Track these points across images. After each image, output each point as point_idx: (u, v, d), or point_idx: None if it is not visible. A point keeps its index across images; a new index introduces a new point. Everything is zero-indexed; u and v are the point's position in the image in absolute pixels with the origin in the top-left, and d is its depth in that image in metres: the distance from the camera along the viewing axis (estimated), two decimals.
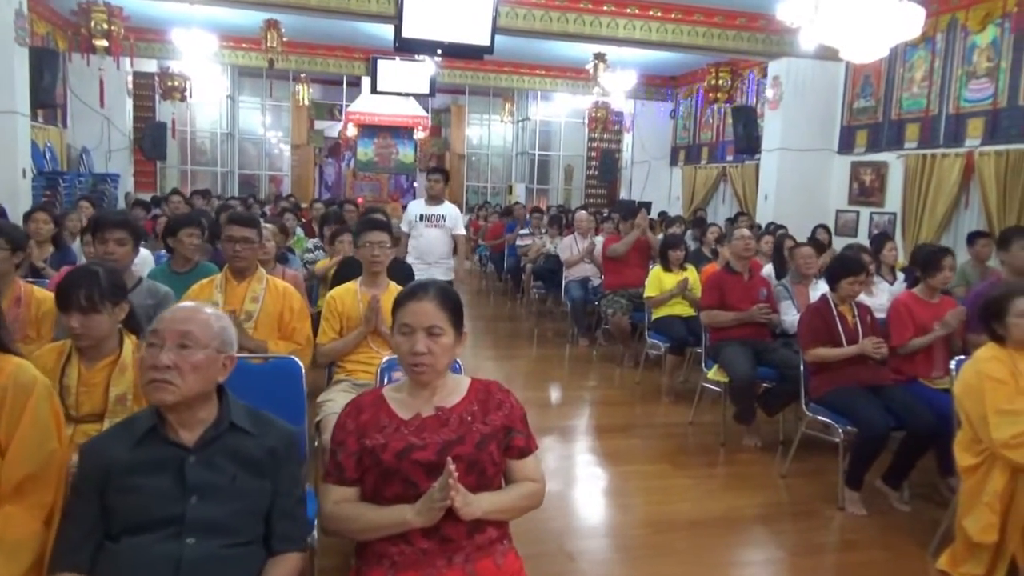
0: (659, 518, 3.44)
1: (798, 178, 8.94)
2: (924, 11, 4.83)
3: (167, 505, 1.54)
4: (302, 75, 13.33)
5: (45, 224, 4.75)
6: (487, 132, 17.11)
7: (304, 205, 10.55)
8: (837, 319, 3.75)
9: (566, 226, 8.79)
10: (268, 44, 9.84)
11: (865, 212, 8.59)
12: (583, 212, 7.87)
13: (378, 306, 3.14)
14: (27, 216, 4.85)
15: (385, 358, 2.79)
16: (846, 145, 8.92)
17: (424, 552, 1.66)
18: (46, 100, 8.39)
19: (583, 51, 10.46)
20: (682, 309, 5.46)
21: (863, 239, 7.75)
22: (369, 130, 14.87)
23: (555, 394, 5.71)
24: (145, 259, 4.15)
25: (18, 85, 7.17)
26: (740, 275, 4.65)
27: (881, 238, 5.69)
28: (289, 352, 2.90)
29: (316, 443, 2.95)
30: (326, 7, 7.38)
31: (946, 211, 7.31)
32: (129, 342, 2.24)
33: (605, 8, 8.07)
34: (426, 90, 11.98)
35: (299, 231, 6.75)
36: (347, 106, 14.70)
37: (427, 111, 14.99)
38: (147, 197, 9.87)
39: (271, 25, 9.77)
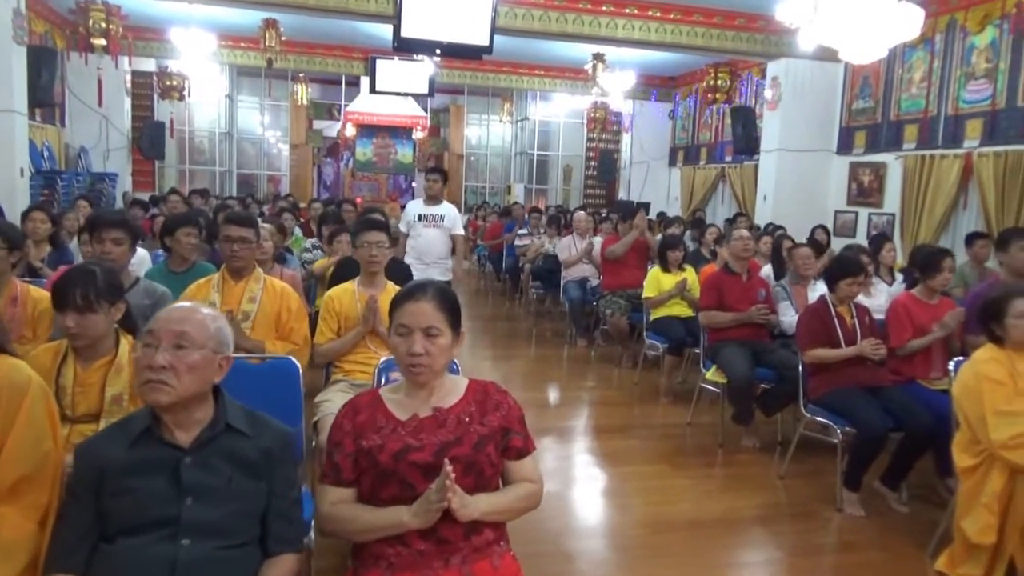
0: (657, 519, 3.43)
1: (797, 179, 8.94)
2: (923, 12, 4.83)
3: (162, 506, 1.53)
4: (301, 75, 13.32)
5: (42, 223, 4.74)
6: (486, 132, 17.10)
7: (302, 205, 10.53)
8: (835, 320, 3.74)
9: (564, 226, 8.79)
10: (267, 43, 9.83)
11: (864, 213, 8.59)
12: (582, 212, 7.87)
13: (376, 306, 3.14)
14: (24, 215, 4.84)
15: (383, 358, 2.79)
16: (845, 146, 8.93)
17: (421, 554, 1.65)
18: (44, 99, 8.37)
19: (582, 51, 10.47)
20: (680, 310, 5.46)
21: (862, 240, 7.76)
22: (368, 130, 14.85)
23: (553, 394, 5.70)
24: (142, 259, 4.14)
25: (16, 84, 7.16)
26: (739, 276, 4.64)
27: (879, 239, 5.69)
28: (286, 352, 2.89)
29: (313, 443, 2.94)
30: (325, 6, 7.37)
31: (944, 212, 7.31)
32: (125, 342, 2.23)
33: (604, 8, 8.07)
34: (425, 90, 11.98)
35: (297, 231, 6.73)
36: (346, 106, 14.69)
37: (426, 111, 14.98)
38: (145, 196, 9.84)
39: (270, 24, 9.76)
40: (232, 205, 8.02)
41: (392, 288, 3.25)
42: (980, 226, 6.70)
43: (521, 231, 9.39)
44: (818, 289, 4.45)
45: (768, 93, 9.20)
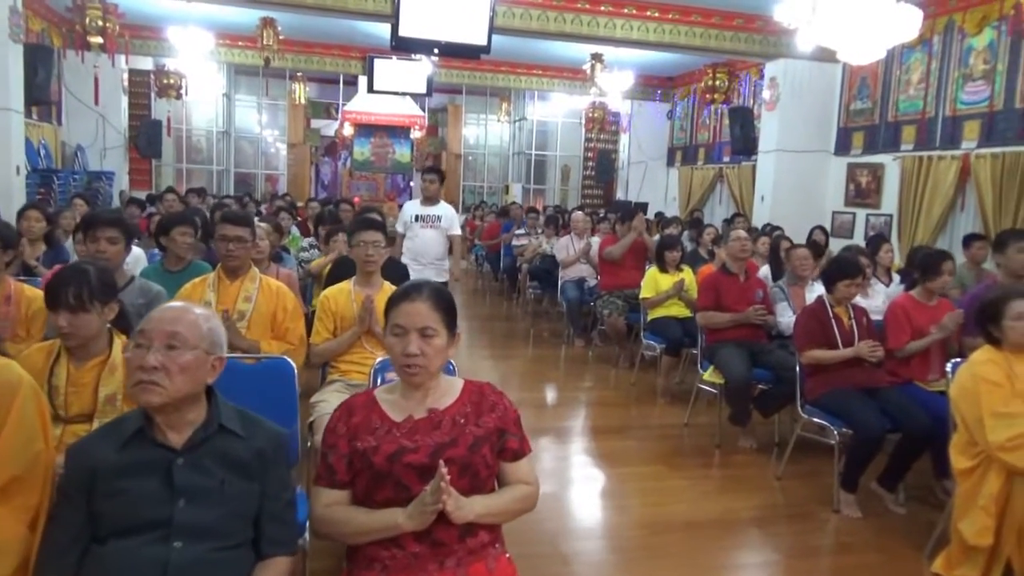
0: (654, 520, 3.42)
1: (795, 179, 8.93)
2: (921, 13, 4.83)
3: (154, 508, 1.51)
4: (298, 74, 13.30)
5: (37, 222, 4.71)
6: (484, 132, 17.08)
7: (300, 204, 10.51)
8: (833, 321, 3.74)
9: (562, 226, 8.78)
10: (264, 42, 9.81)
11: (861, 214, 8.59)
12: (579, 212, 7.86)
13: (372, 306, 3.12)
14: (20, 214, 4.82)
15: (379, 359, 2.77)
16: (843, 146, 8.92)
17: (415, 556, 1.64)
18: (41, 97, 8.34)
19: (580, 51, 10.45)
20: (678, 310, 5.45)
21: (859, 240, 7.76)
22: (365, 129, 14.85)
23: (550, 395, 5.69)
24: (138, 258, 4.13)
25: (12, 82, 7.13)
26: (736, 276, 4.64)
27: (877, 240, 5.69)
28: (282, 352, 2.88)
29: (309, 444, 2.93)
30: (322, 5, 7.34)
31: (942, 213, 7.31)
32: (119, 342, 2.22)
33: (602, 8, 8.05)
34: (423, 89, 11.96)
35: (294, 230, 6.72)
36: (343, 105, 14.67)
37: (424, 110, 14.97)
38: (142, 195, 9.81)
39: (267, 23, 9.74)
40: (229, 204, 7.99)
41: (388, 288, 3.24)
42: (977, 227, 6.70)
43: (519, 231, 9.38)
44: (816, 290, 4.44)
45: (766, 94, 9.19)
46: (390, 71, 11.59)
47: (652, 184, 13.64)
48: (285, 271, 4.16)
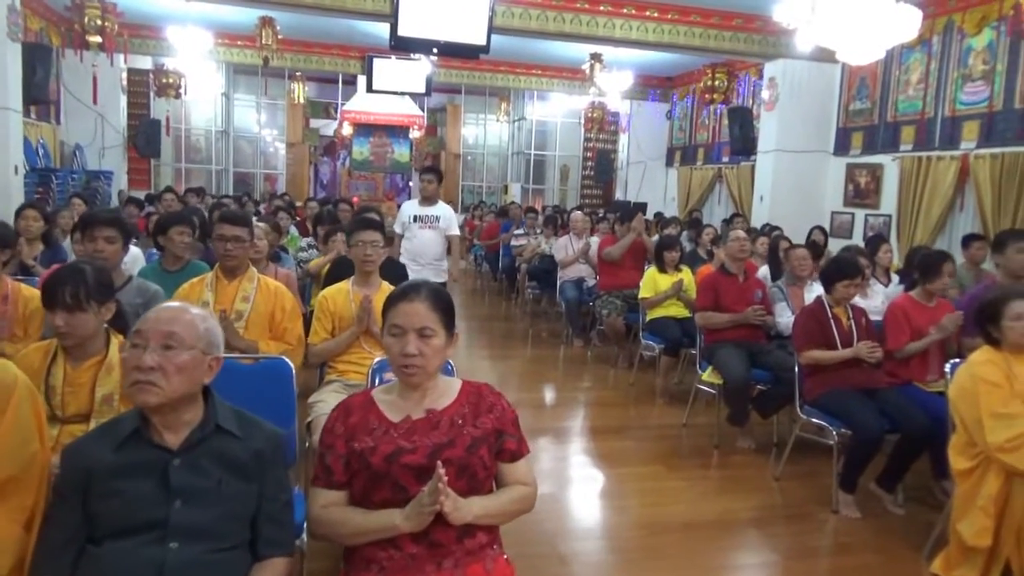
0: (653, 520, 3.42)
1: (794, 179, 8.93)
2: (920, 13, 4.82)
3: (150, 509, 1.51)
4: (297, 73, 13.29)
5: (35, 221, 4.71)
6: (483, 132, 17.08)
7: (299, 204, 10.51)
8: (832, 321, 3.74)
9: (561, 226, 8.77)
10: (263, 42, 9.80)
11: (860, 214, 8.59)
12: (579, 212, 7.85)
13: (370, 306, 3.12)
14: (18, 213, 4.81)
15: (377, 359, 2.77)
16: (842, 147, 8.92)
17: (413, 557, 1.64)
18: (39, 96, 8.34)
19: (579, 51, 10.45)
20: (677, 310, 5.45)
21: (858, 241, 7.75)
22: (364, 129, 14.85)
23: (549, 395, 5.69)
24: (135, 257, 4.12)
25: (11, 81, 7.12)
26: (735, 276, 4.63)
27: (876, 240, 5.68)
28: (280, 352, 2.87)
29: (307, 444, 2.92)
30: (321, 5, 7.33)
31: (941, 213, 7.31)
32: (116, 342, 2.21)
33: (601, 8, 8.05)
34: (422, 89, 11.95)
35: (293, 230, 6.72)
36: (342, 104, 14.66)
37: (423, 110, 14.97)
38: (141, 195, 9.80)
39: (266, 22, 9.73)
40: (228, 204, 7.99)
41: (387, 288, 3.23)
42: (976, 228, 6.71)
43: (518, 231, 9.38)
44: (814, 290, 4.44)
45: (765, 94, 9.19)
46: (389, 71, 11.58)
47: (651, 184, 13.64)
48: (284, 271, 4.15)
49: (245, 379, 2.44)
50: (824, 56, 7.03)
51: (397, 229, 5.54)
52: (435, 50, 7.76)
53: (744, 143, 10.02)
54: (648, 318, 5.51)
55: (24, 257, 4.37)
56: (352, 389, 2.98)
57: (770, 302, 4.61)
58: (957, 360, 3.05)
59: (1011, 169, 6.51)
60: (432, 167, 6.46)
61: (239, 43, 11.27)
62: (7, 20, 6.97)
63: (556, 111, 15.97)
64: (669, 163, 13.75)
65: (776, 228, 7.19)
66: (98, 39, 8.43)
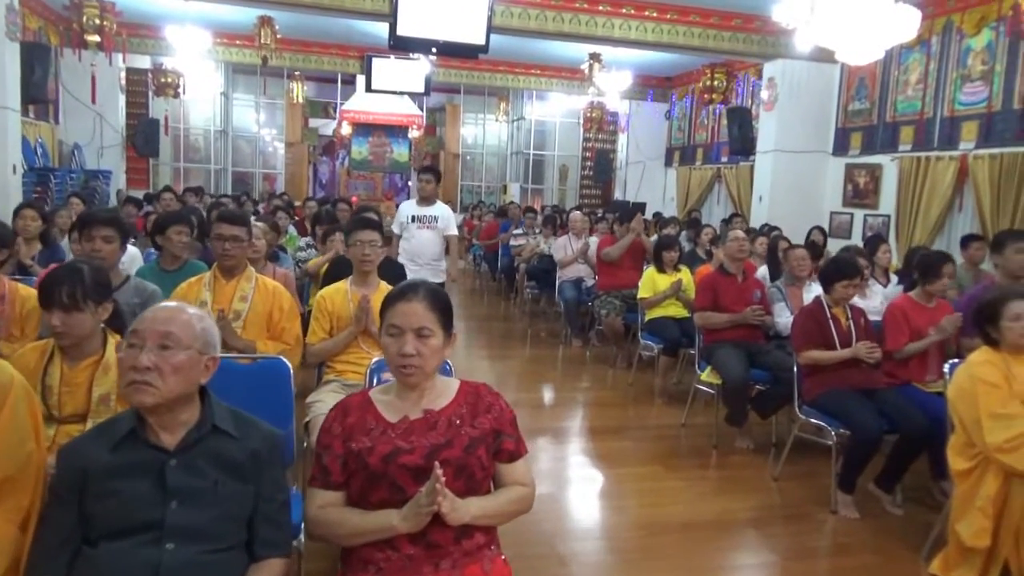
0: (651, 521, 3.42)
1: (792, 180, 8.93)
2: (920, 13, 4.82)
3: (146, 510, 1.50)
4: (296, 72, 13.28)
5: (33, 221, 4.70)
6: (482, 131, 17.08)
7: (298, 203, 10.50)
8: (831, 321, 3.73)
9: (560, 226, 8.77)
10: (262, 41, 9.79)
11: (859, 214, 8.59)
12: (577, 212, 7.85)
13: (368, 306, 3.11)
14: (15, 212, 4.81)
15: (375, 359, 2.76)
16: (841, 147, 8.92)
17: (410, 558, 1.63)
18: (37, 95, 8.33)
19: (578, 51, 10.44)
20: (676, 310, 5.44)
21: (857, 241, 7.75)
22: (363, 128, 14.84)
23: (548, 395, 5.68)
24: (133, 257, 4.11)
25: (9, 80, 7.11)
26: (734, 277, 4.63)
27: (875, 240, 5.68)
28: (278, 352, 2.87)
29: (305, 444, 2.92)
30: (320, 4, 7.32)
31: (940, 214, 7.31)
32: (113, 341, 2.20)
33: (600, 8, 8.04)
34: (421, 89, 11.94)
35: (292, 229, 6.71)
36: (341, 104, 14.66)
37: (422, 110, 14.96)
38: (139, 194, 9.79)
39: (265, 22, 9.72)
40: (226, 203, 7.98)
41: (385, 287, 3.22)
42: (975, 228, 6.71)
43: (516, 231, 9.37)
44: (813, 290, 4.44)
45: (764, 94, 9.19)
46: (388, 70, 11.57)
47: (650, 184, 13.64)
48: (282, 271, 4.14)
49: (243, 379, 2.44)
50: (823, 56, 7.03)
51: (395, 229, 5.52)
52: (434, 50, 7.75)
53: (743, 143, 10.02)
54: (647, 318, 5.50)
55: (22, 257, 4.37)
56: (350, 389, 2.97)
57: (769, 302, 4.60)
58: (956, 360, 3.05)
59: (1010, 169, 6.51)
60: (430, 167, 6.44)
61: (238, 42, 11.25)
62: (5, 19, 6.96)
63: (555, 111, 15.97)
64: (668, 163, 13.75)
65: (775, 228, 7.19)
66: (97, 38, 8.42)
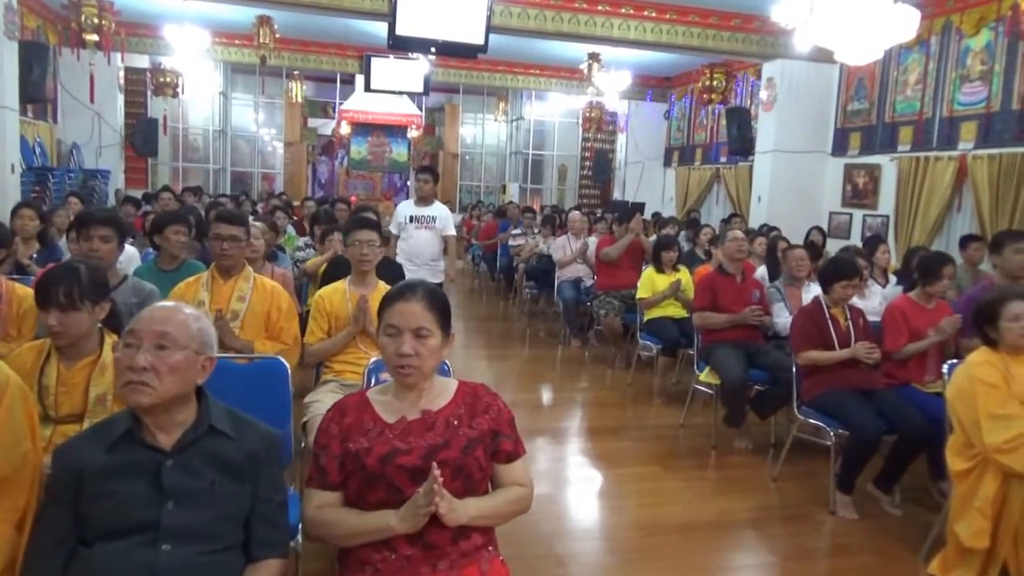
0: (650, 521, 3.41)
1: (791, 180, 8.93)
2: (919, 14, 4.82)
3: (142, 510, 1.49)
4: (295, 72, 13.27)
5: (31, 220, 4.69)
6: (481, 131, 17.07)
7: (296, 203, 10.50)
8: (829, 322, 3.73)
9: (559, 226, 8.76)
10: (261, 40, 9.79)
11: (858, 214, 8.59)
12: (576, 212, 7.85)
13: (366, 306, 3.11)
14: (13, 212, 4.80)
15: (373, 359, 2.76)
16: (839, 147, 8.92)
17: (408, 559, 1.63)
18: (36, 95, 8.32)
19: (577, 51, 10.43)
20: (674, 311, 5.44)
21: (856, 241, 7.75)
22: (363, 128, 14.83)
23: (546, 395, 5.68)
24: (131, 256, 4.10)
25: (7, 79, 7.10)
26: (733, 277, 4.63)
27: (874, 240, 5.68)
28: (276, 352, 2.86)
29: (303, 444, 2.91)
30: (319, 4, 7.32)
31: (939, 214, 7.31)
32: (110, 341, 2.20)
33: (600, 8, 8.04)
34: (420, 88, 11.93)
35: (290, 229, 6.70)
36: (340, 104, 14.65)
37: (421, 110, 14.96)
38: (138, 194, 9.78)
39: (263, 21, 9.72)
40: (225, 203, 7.97)
41: (383, 287, 3.21)
42: (974, 228, 6.71)
43: (515, 231, 9.37)
44: (812, 290, 4.43)
45: (763, 94, 9.19)
46: (387, 70, 11.55)
47: (649, 184, 13.64)
48: (280, 270, 4.14)
49: (240, 379, 2.43)
50: (822, 56, 7.02)
51: (393, 230, 5.49)
52: (433, 49, 7.74)
53: (742, 143, 10.02)
54: (646, 318, 5.50)
55: (20, 256, 4.36)
56: (348, 389, 2.97)
57: (768, 302, 4.60)
58: (955, 361, 3.05)
59: (1009, 170, 6.51)
60: (428, 167, 6.41)
61: (237, 42, 11.24)
62: (3, 18, 6.95)
63: (554, 111, 15.97)
64: (667, 163, 13.75)
65: (774, 228, 7.19)
66: (95, 37, 8.39)
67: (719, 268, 4.79)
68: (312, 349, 3.21)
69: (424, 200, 5.49)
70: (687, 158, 12.92)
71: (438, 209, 5.51)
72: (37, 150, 9.63)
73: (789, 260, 4.75)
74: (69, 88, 10.61)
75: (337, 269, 3.96)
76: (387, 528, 1.60)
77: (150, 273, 3.52)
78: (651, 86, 13.28)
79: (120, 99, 11.68)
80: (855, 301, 4.01)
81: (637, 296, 5.58)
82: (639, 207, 6.94)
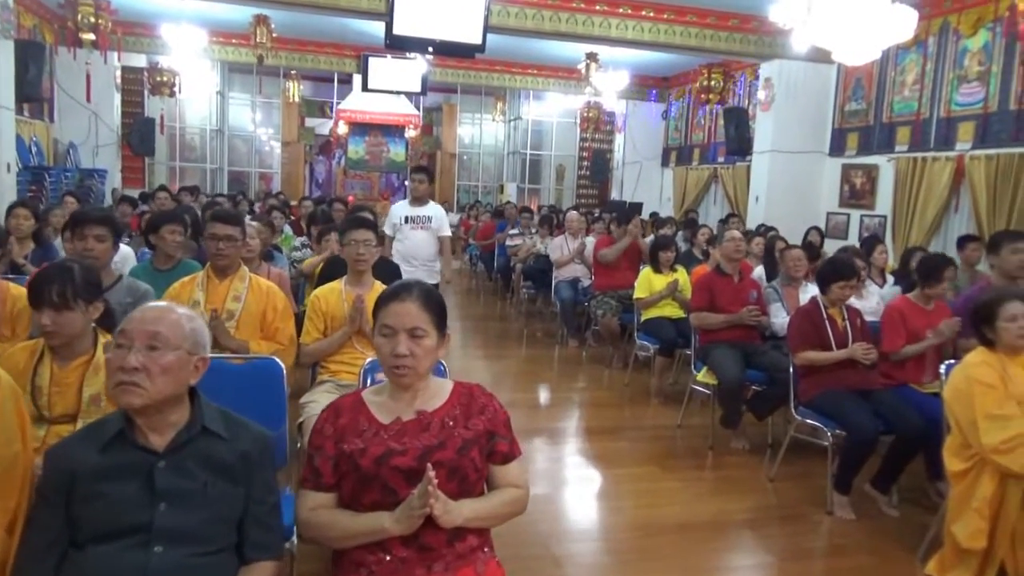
0: (647, 521, 3.40)
1: (789, 180, 8.94)
2: (916, 14, 4.82)
3: (135, 512, 1.48)
4: (292, 72, 13.26)
5: (26, 220, 4.67)
6: (479, 131, 17.07)
7: (293, 203, 10.48)
8: (827, 322, 3.72)
9: (557, 226, 8.76)
10: (258, 40, 9.78)
11: (856, 215, 8.59)
12: (574, 212, 7.84)
13: (362, 306, 3.10)
14: (8, 211, 4.78)
15: (369, 359, 2.74)
16: (837, 147, 8.93)
17: (403, 561, 1.61)
18: (32, 94, 8.30)
19: (575, 51, 10.44)
20: (672, 311, 5.44)
21: (854, 241, 7.75)
22: (360, 128, 14.82)
23: (544, 395, 5.67)
24: (126, 256, 4.08)
25: (3, 78, 7.09)
26: (730, 277, 4.62)
27: (871, 241, 5.68)
28: (271, 352, 2.84)
29: (299, 445, 2.90)
30: (316, 3, 7.31)
31: (936, 214, 7.32)
32: (104, 341, 2.18)
33: (597, 8, 8.04)
34: (417, 88, 11.91)
35: (287, 229, 6.69)
36: (338, 104, 14.64)
37: (418, 109, 14.95)
38: (135, 193, 9.76)
39: (261, 21, 9.71)
40: (221, 202, 7.96)
41: (380, 287, 3.20)
42: (971, 229, 6.71)
43: (513, 231, 9.36)
44: (809, 291, 4.43)
45: (761, 94, 9.20)
46: (385, 70, 11.53)
47: (647, 184, 13.64)
48: (276, 270, 4.12)
49: (235, 379, 2.42)
50: (820, 57, 7.03)
51: (387, 231, 5.41)
52: (431, 49, 7.71)
53: (740, 143, 10.02)
54: (643, 318, 5.49)
55: (14, 256, 4.33)
56: (344, 389, 2.95)
57: (765, 303, 4.60)
58: (952, 361, 3.04)
59: (1006, 170, 6.52)
60: (423, 167, 6.40)
61: (234, 41, 11.23)
62: (0, 17, 6.93)
63: (552, 111, 15.97)
64: (665, 163, 13.75)
65: (772, 228, 7.19)
66: (92, 36, 8.37)
67: (716, 268, 4.78)
68: (308, 349, 3.19)
69: (419, 200, 5.46)
70: (685, 158, 12.92)
71: (433, 209, 5.49)
72: (33, 149, 9.60)
73: (787, 260, 4.74)
74: (65, 87, 10.58)
75: (333, 269, 3.95)
76: (381, 530, 1.59)
77: (146, 273, 3.51)
78: (649, 86, 13.29)
79: (117, 98, 11.66)
80: (853, 301, 4.01)
81: (634, 296, 5.57)
82: (637, 207, 6.97)
